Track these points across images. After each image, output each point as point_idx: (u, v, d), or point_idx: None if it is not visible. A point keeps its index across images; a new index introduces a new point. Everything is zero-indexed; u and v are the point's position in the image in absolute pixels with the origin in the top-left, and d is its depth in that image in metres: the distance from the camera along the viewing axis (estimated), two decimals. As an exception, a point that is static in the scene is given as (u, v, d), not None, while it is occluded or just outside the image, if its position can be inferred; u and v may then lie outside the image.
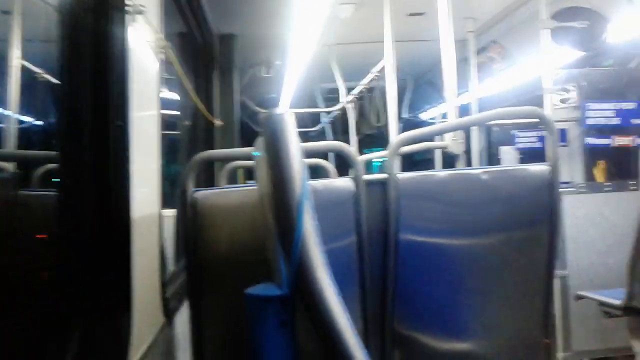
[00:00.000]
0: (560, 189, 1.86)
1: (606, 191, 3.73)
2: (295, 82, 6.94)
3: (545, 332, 1.85)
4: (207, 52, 3.90)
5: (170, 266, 2.61)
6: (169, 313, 1.75)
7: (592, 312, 3.38)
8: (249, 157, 2.37)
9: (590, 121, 4.12)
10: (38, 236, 1.40)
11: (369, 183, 1.82)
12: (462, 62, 6.12)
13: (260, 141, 1.09)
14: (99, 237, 1.17)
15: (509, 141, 4.95)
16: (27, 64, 2.02)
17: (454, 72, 3.49)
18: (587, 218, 3.65)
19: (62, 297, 1.15)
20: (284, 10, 3.90)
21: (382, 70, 4.50)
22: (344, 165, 1.89)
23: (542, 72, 4.13)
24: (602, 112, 4.12)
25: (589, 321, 3.55)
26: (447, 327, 1.82)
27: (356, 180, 1.77)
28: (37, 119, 2.28)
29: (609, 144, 4.15)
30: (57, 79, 1.27)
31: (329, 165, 2.93)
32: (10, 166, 1.73)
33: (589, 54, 4.82)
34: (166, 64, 1.97)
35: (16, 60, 1.98)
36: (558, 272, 3.56)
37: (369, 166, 7.46)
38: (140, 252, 1.36)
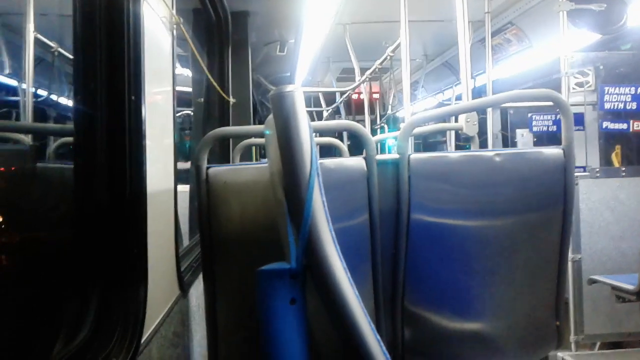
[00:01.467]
0: (575, 173, 1.84)
1: (622, 176, 3.70)
2: (310, 61, 6.91)
3: (556, 314, 1.86)
4: (220, 29, 3.87)
5: (185, 241, 2.64)
6: (183, 286, 1.78)
7: (605, 296, 3.39)
8: (262, 135, 2.38)
9: (607, 105, 4.06)
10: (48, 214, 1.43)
11: (381, 163, 1.81)
12: (478, 43, 6.06)
13: (270, 119, 1.09)
14: (115, 209, 1.18)
15: (525, 124, 4.91)
16: (41, 37, 2.03)
17: (469, 54, 3.45)
18: (602, 202, 3.63)
19: (80, 268, 1.17)
20: (299, -12, 3.87)
21: (397, 50, 4.46)
22: (357, 145, 1.88)
23: (559, 54, 4.07)
24: (620, 97, 4.06)
25: (602, 305, 3.55)
26: (458, 307, 1.82)
27: (368, 159, 1.77)
28: (52, 93, 2.29)
29: (626, 129, 4.10)
30: (72, 53, 1.27)
31: (341, 144, 2.93)
32: (27, 139, 1.75)
33: (606, 36, 4.73)
34: (180, 41, 1.97)
35: (31, 33, 1.99)
36: (571, 255, 3.56)
37: (382, 148, 7.44)
38: (156, 226, 1.37)
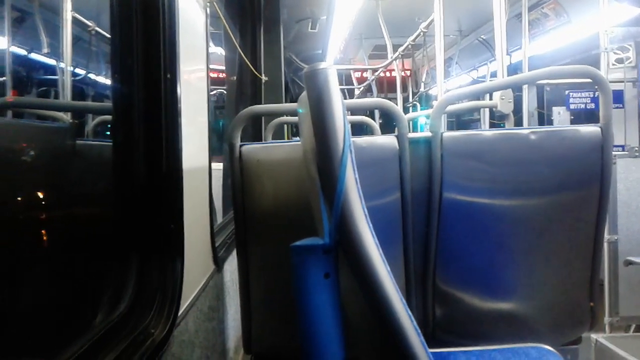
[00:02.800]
0: (613, 152, 1.80)
1: (662, 155, 3.59)
2: (341, 39, 6.85)
3: (591, 296, 1.83)
4: (252, 6, 3.87)
5: (219, 218, 2.69)
6: (218, 261, 1.82)
7: (641, 279, 3.32)
8: (294, 113, 2.39)
9: (648, 82, 3.94)
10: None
11: (414, 141, 1.80)
12: (515, 18, 5.90)
13: (303, 97, 1.09)
14: (152, 186, 1.21)
15: (563, 102, 4.80)
16: (79, 16, 2.07)
17: (504, 29, 3.37)
18: (640, 182, 3.53)
19: (119, 242, 1.20)
20: (331, -36, 3.83)
21: (430, 26, 4.38)
22: (389, 124, 1.88)
23: (598, 29, 3.94)
24: (662, 73, 3.93)
25: (638, 287, 3.49)
26: (490, 287, 1.82)
27: (400, 138, 1.76)
28: (90, 72, 2.34)
29: (668, 106, 3.97)
30: (108, 32, 1.30)
31: (373, 122, 2.92)
32: (66, 117, 1.80)
33: (650, 10, 4.56)
34: (213, 19, 1.98)
35: (68, 13, 2.03)
36: (607, 236, 3.49)
37: (414, 126, 7.37)
38: (191, 202, 1.40)
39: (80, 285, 1.31)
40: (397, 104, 6.28)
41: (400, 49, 6.19)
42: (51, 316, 1.24)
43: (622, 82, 4.17)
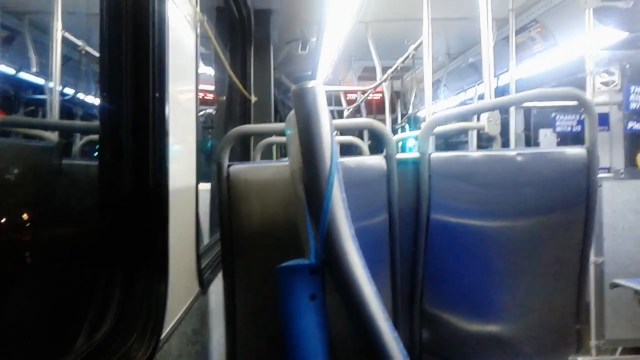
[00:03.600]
0: (599, 174, 1.82)
1: (647, 178, 3.64)
2: (331, 60, 6.91)
3: (577, 318, 1.83)
4: (243, 27, 3.90)
5: (205, 239, 2.67)
6: (203, 283, 1.80)
7: (627, 301, 3.33)
8: (283, 134, 2.39)
9: (633, 105, 4.00)
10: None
11: (402, 162, 1.81)
12: (502, 41, 5.99)
13: (291, 115, 1.10)
14: (138, 206, 1.20)
15: (549, 124, 4.85)
16: (69, 36, 2.07)
17: (492, 52, 3.42)
18: (626, 205, 3.56)
19: (102, 263, 1.19)
20: (321, -13, 3.88)
21: (419, 48, 4.44)
22: (377, 145, 1.89)
23: (584, 53, 4.01)
24: (646, 97, 4.00)
25: (624, 310, 3.49)
26: (477, 309, 1.82)
27: (389, 158, 1.77)
28: (79, 91, 2.34)
29: (652, 130, 4.03)
30: (98, 51, 1.30)
31: (362, 143, 2.93)
32: (53, 136, 1.79)
33: (634, 35, 4.65)
34: (202, 39, 1.99)
35: (59, 32, 2.03)
36: (594, 258, 3.51)
37: (403, 147, 7.41)
38: (177, 223, 1.39)
39: (61, 307, 1.29)
40: (385, 125, 6.31)
41: (389, 71, 6.25)
42: (31, 338, 1.22)
43: (607, 104, 4.23)
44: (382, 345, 0.86)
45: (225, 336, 1.81)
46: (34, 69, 2.28)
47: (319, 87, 0.96)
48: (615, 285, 3.33)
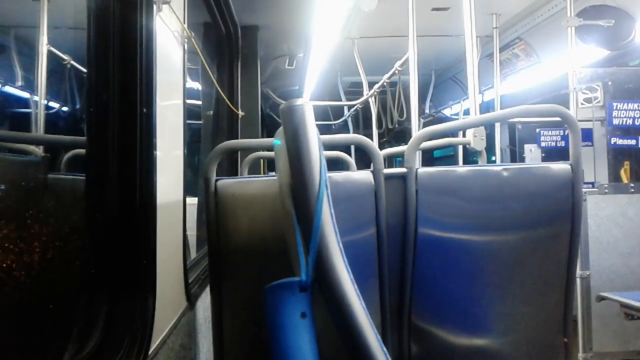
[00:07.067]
0: (584, 189, 1.84)
1: (631, 192, 3.68)
2: (318, 75, 6.95)
3: (564, 331, 1.84)
4: (230, 43, 3.91)
5: (193, 253, 2.65)
6: (191, 298, 1.79)
7: (614, 314, 3.36)
8: (270, 148, 2.39)
9: (615, 121, 4.06)
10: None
11: (389, 177, 1.82)
12: (486, 58, 6.07)
13: (280, 131, 1.10)
14: (125, 221, 1.19)
15: (534, 140, 4.90)
16: (55, 50, 2.06)
17: (477, 68, 3.46)
18: (610, 219, 3.61)
19: (89, 278, 1.17)
20: (307, 2, 3.91)
21: (405, 64, 4.48)
22: (365, 158, 1.89)
23: (567, 70, 4.08)
24: (628, 112, 4.06)
25: (610, 323, 3.52)
26: (465, 323, 1.82)
27: (376, 173, 1.77)
28: (65, 105, 2.32)
29: (634, 145, 4.09)
30: (84, 66, 1.29)
31: (349, 158, 2.94)
32: (39, 150, 1.78)
33: (615, 52, 4.74)
34: (190, 55, 1.99)
35: (44, 46, 2.02)
36: (580, 272, 3.53)
37: (390, 161, 7.44)
38: (164, 237, 1.38)
39: (47, 323, 1.27)
40: (372, 140, 6.34)
41: (376, 86, 6.29)
42: (16, 356, 1.20)
43: (590, 120, 4.29)
44: (371, 360, 0.86)
45: (214, 351, 1.79)
46: (19, 83, 2.27)
47: (307, 105, 0.97)
48: (601, 299, 3.35)
